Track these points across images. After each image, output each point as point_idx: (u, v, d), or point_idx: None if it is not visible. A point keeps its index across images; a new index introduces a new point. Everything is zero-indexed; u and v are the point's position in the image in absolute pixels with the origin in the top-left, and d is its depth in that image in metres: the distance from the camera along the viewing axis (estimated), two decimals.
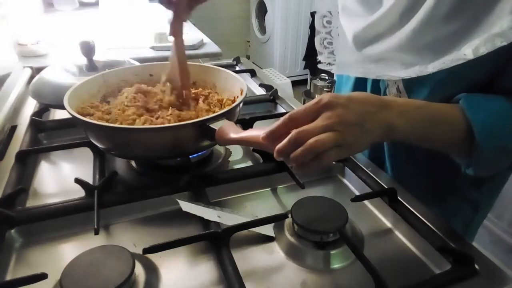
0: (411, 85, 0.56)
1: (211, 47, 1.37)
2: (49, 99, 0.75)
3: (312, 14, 3.04)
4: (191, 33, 1.50)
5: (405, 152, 0.64)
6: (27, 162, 0.63)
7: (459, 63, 0.44)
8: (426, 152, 0.51)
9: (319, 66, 0.69)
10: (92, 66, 0.82)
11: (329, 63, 0.68)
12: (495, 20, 0.42)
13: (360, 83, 0.68)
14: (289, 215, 0.50)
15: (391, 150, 0.66)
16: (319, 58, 0.69)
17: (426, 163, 0.63)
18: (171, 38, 0.64)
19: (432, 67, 0.47)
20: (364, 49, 0.57)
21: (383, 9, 0.52)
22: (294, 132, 0.40)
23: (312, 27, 3.00)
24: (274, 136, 0.42)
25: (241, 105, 0.61)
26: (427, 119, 0.46)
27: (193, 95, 0.68)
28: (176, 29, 0.63)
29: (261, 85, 0.97)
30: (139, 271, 0.44)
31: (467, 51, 0.44)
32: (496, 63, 0.48)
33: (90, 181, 0.55)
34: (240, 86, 0.67)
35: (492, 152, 0.46)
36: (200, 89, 0.71)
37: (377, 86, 0.64)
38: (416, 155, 0.62)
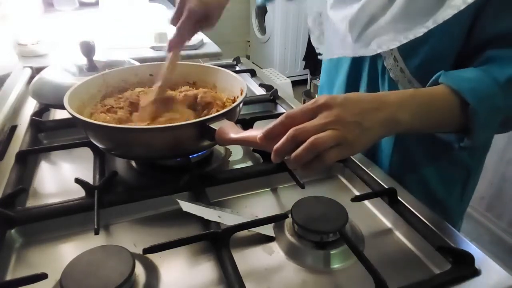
0: (406, 53, 0.57)
1: (211, 47, 1.37)
2: (49, 99, 0.75)
3: None
4: None
5: None
6: (27, 162, 0.63)
7: (452, 13, 0.47)
8: None
9: (320, 57, 0.73)
10: (92, 66, 0.82)
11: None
12: None
13: (357, 62, 0.69)
14: (289, 215, 0.50)
15: None
16: (319, 55, 0.72)
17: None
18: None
19: (426, 27, 0.50)
20: (362, 34, 0.59)
21: None
22: (292, 129, 0.39)
23: None
24: (271, 135, 0.41)
25: (241, 105, 0.61)
26: (423, 104, 0.46)
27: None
28: (174, 46, 0.65)
29: (261, 85, 0.97)
30: (139, 271, 0.44)
31: (458, 1, 0.47)
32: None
33: (90, 181, 0.55)
34: (240, 86, 0.67)
35: (486, 113, 0.47)
36: (200, 88, 0.71)
37: (374, 62, 0.65)
38: None
